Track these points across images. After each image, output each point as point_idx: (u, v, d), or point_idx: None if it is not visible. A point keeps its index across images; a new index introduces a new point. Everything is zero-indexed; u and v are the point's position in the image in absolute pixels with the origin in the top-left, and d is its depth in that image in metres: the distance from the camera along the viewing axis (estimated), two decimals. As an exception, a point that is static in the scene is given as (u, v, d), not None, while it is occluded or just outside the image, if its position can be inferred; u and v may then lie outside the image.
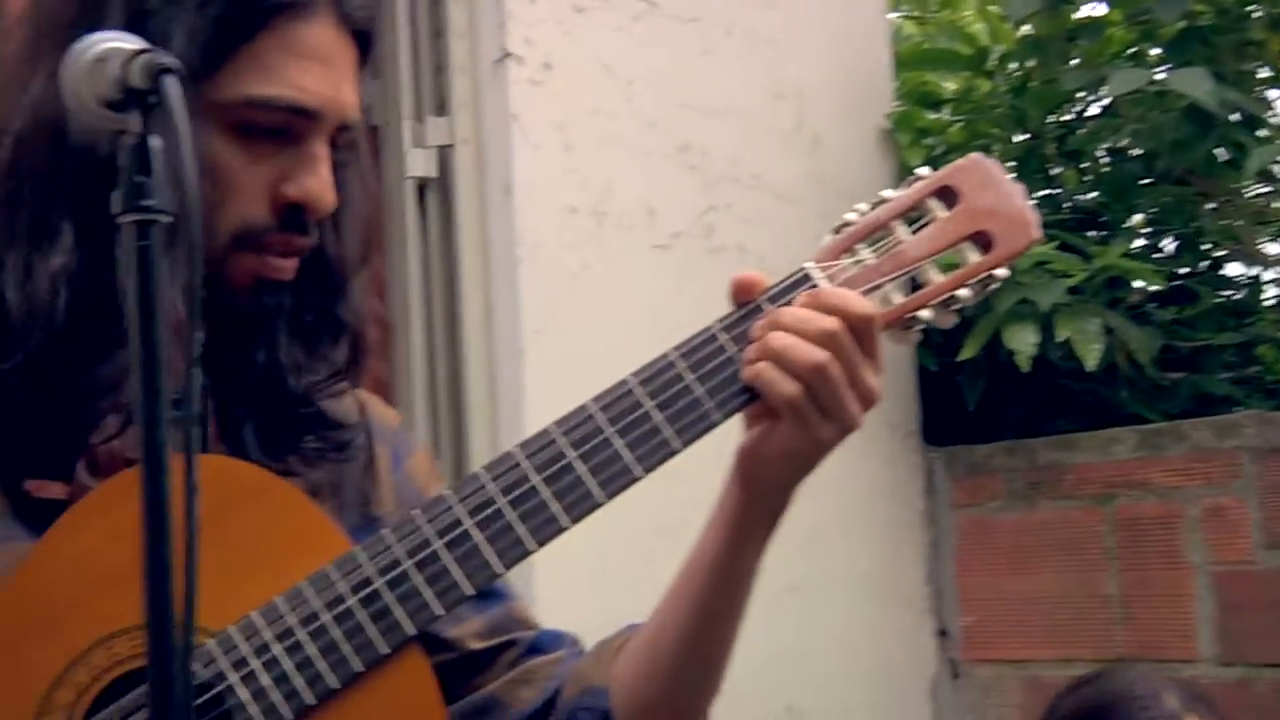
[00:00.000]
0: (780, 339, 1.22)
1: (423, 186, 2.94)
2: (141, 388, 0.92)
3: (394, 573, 1.20)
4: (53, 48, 1.12)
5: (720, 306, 2.62)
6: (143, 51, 0.95)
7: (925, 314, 1.30)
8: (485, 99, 2.96)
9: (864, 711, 3.39)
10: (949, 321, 1.31)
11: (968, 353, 3.24)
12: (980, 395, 3.43)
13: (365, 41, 1.26)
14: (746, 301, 1.27)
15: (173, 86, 0.93)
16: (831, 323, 1.21)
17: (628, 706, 1.32)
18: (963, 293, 1.30)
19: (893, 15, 3.83)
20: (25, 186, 1.17)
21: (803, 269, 1.29)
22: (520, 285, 2.89)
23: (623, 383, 1.25)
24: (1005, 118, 3.61)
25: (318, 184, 1.21)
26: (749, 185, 3.26)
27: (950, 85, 3.82)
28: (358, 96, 1.24)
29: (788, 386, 1.21)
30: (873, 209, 1.32)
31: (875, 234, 1.30)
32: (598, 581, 2.94)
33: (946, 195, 1.32)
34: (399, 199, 2.92)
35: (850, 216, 1.32)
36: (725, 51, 3.31)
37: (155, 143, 0.93)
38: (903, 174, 3.66)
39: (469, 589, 1.21)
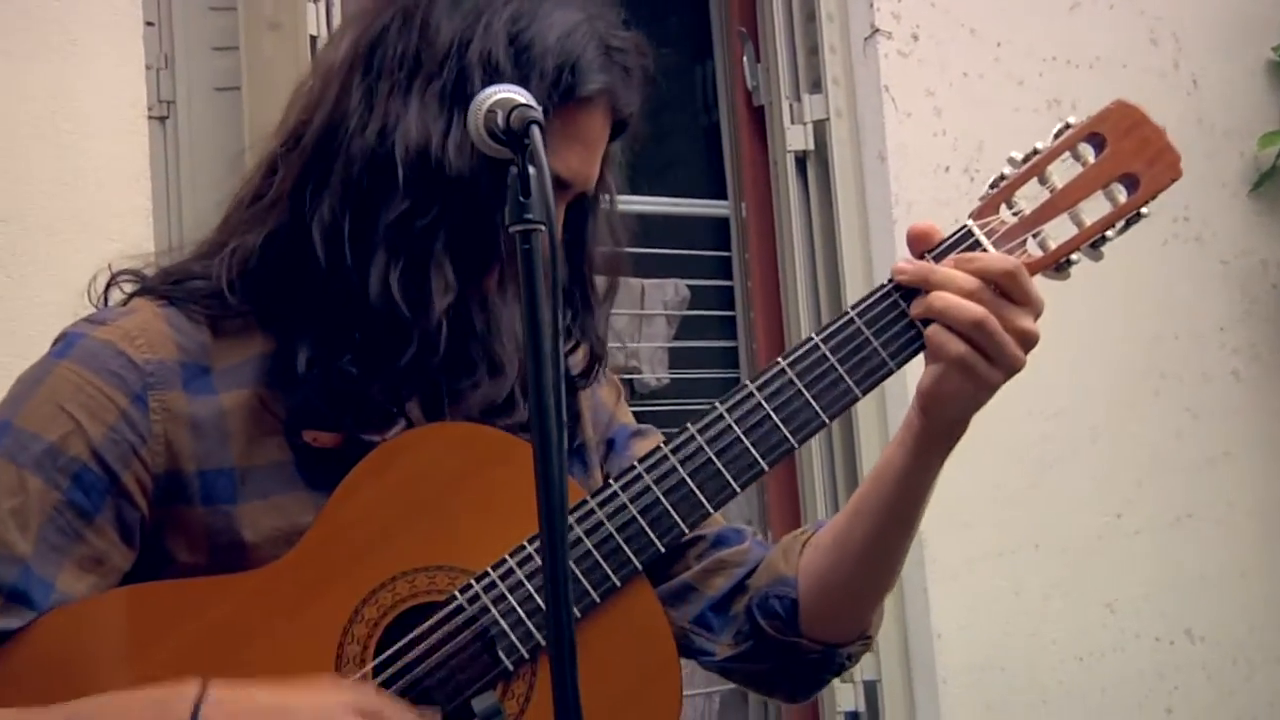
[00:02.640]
0: (941, 300, 1.35)
1: (802, 159, 3.17)
2: (530, 359, 1.14)
3: (623, 518, 1.37)
4: (424, 85, 1.35)
5: (1085, 264, 2.68)
6: (521, 105, 1.22)
7: (1076, 255, 1.42)
8: (858, 73, 3.16)
9: (1268, 637, 3.42)
10: (1098, 258, 1.42)
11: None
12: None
13: (621, 128, 1.44)
14: (919, 255, 1.40)
15: (536, 133, 1.19)
16: (974, 282, 1.34)
17: (813, 593, 1.47)
18: (1111, 232, 1.41)
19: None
20: (415, 213, 1.34)
21: (964, 225, 1.40)
22: (897, 243, 3.06)
23: (808, 339, 1.39)
24: None
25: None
26: (1122, 131, 3.32)
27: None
28: (599, 169, 1.42)
29: (955, 345, 1.35)
30: (1025, 160, 1.41)
31: (1031, 182, 1.41)
32: (981, 510, 3.14)
33: (1095, 140, 1.41)
34: (782, 172, 3.17)
35: (1006, 170, 1.41)
36: (1094, 3, 3.39)
37: (532, 172, 1.20)
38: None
39: (685, 528, 1.39)
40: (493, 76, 1.33)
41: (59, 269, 2.24)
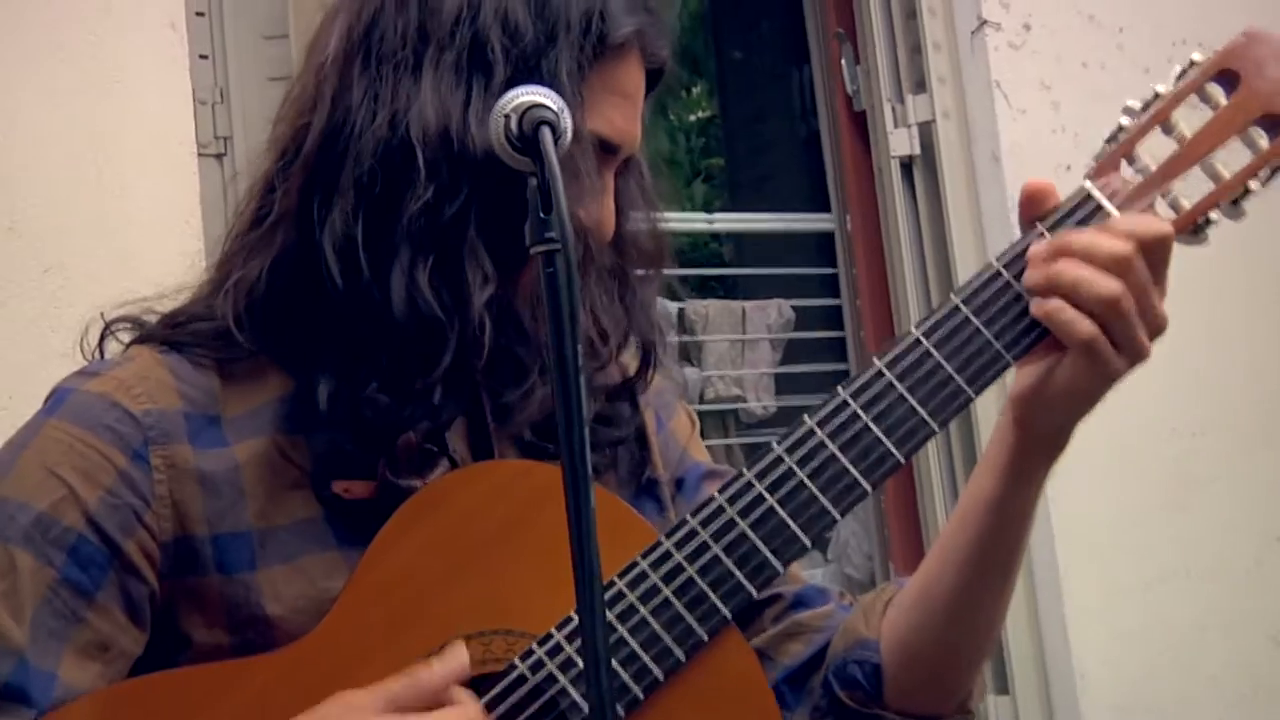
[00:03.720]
0: (1072, 270, 1.17)
1: (908, 164, 3.00)
2: (558, 393, 1.01)
3: (704, 559, 1.20)
4: (434, 62, 1.22)
5: (1229, 260, 2.46)
6: (534, 106, 1.09)
7: (1215, 214, 1.23)
8: (965, 70, 2.99)
9: None
10: (1239, 216, 1.22)
11: None
12: None
13: (656, 78, 1.31)
14: (1029, 220, 1.22)
15: (546, 136, 1.06)
16: (1124, 247, 1.15)
17: (898, 658, 1.30)
18: (1254, 184, 1.22)
19: None
20: (442, 201, 1.21)
21: (1082, 188, 1.22)
22: (1016, 249, 2.90)
23: (908, 334, 1.22)
24: None
25: (605, 214, 1.26)
26: (1263, 117, 3.11)
27: None
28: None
29: (1085, 326, 1.16)
30: (1145, 108, 1.23)
31: (1154, 132, 1.22)
32: (1123, 537, 2.92)
33: (1226, 79, 1.22)
34: (888, 180, 3.00)
35: (1124, 120, 1.23)
36: (1226, -20, 3.18)
37: (551, 184, 1.04)
38: None
39: (779, 567, 1.21)
40: (513, 37, 1.20)
41: (104, 320, 2.14)
